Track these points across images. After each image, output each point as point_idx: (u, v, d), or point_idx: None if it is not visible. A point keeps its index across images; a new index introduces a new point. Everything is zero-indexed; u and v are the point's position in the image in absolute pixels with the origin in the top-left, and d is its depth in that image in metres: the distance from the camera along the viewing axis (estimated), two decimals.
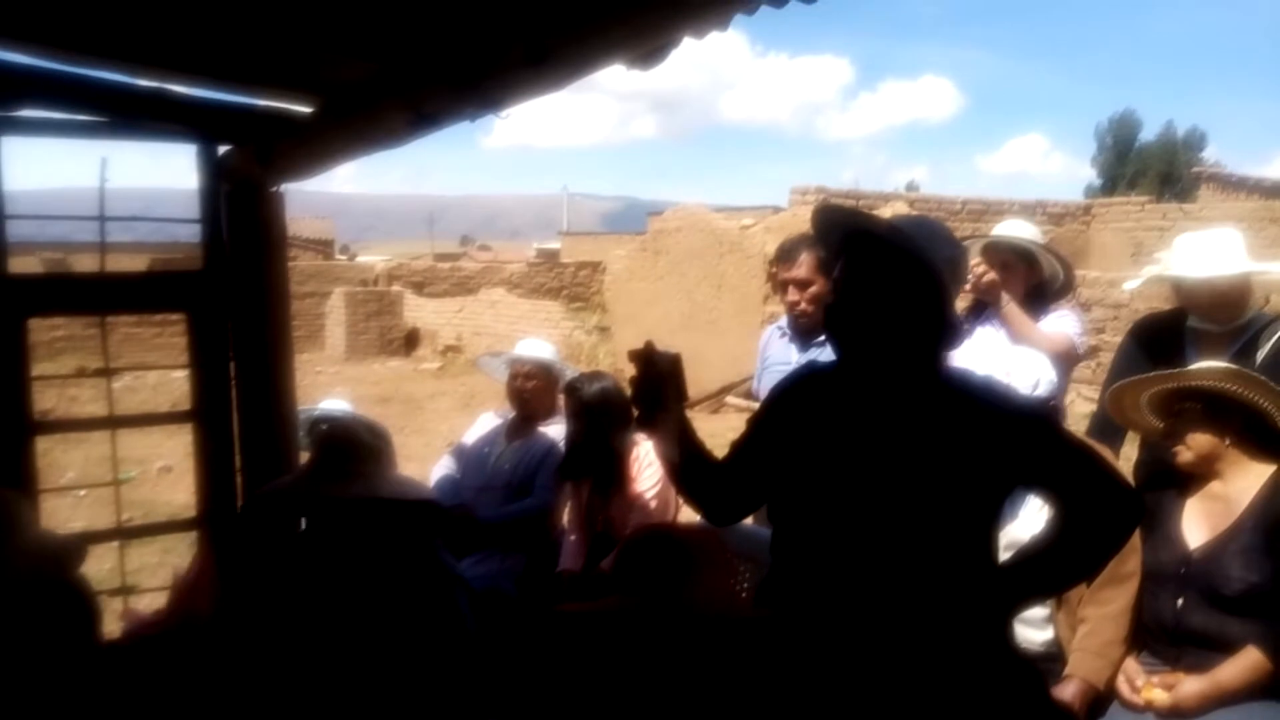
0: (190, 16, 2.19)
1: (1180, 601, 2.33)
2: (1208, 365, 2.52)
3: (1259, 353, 2.83)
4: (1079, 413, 5.89)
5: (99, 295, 3.05)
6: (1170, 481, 2.52)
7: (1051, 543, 1.76)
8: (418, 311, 19.05)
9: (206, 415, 2.93)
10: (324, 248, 29.37)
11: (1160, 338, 3.07)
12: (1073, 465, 1.75)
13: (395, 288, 19.68)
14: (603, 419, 3.27)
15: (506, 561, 3.46)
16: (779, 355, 3.39)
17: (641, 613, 1.88)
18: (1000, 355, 2.73)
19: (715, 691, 1.72)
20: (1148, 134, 33.50)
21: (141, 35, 2.34)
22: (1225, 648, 2.24)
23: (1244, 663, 2.19)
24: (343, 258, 27.57)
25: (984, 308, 3.30)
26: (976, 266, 3.21)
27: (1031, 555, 1.80)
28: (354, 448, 2.23)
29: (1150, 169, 29.31)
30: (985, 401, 1.80)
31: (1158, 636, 2.37)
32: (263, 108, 2.81)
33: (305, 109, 2.68)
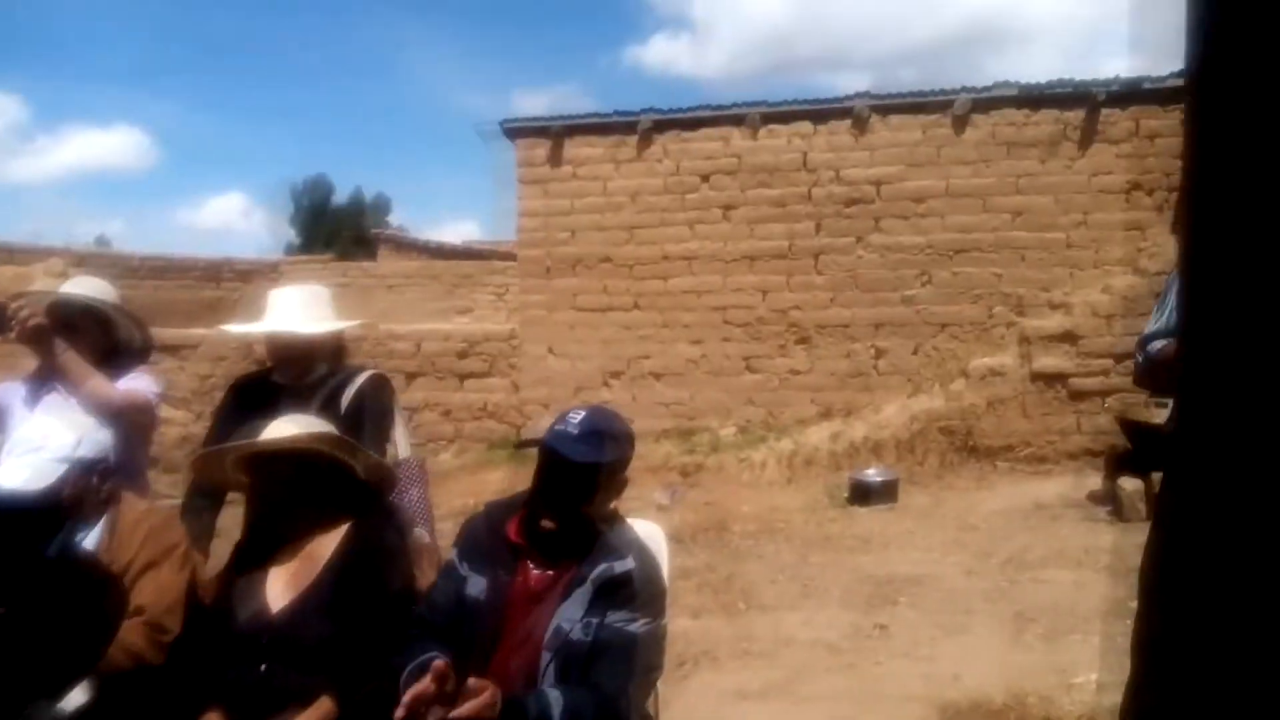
0: None
1: (263, 666, 2.33)
2: (276, 428, 2.56)
3: (340, 402, 2.99)
4: None
5: None
6: (260, 550, 2.53)
7: None
8: None
9: None
10: None
11: (255, 393, 3.09)
12: None
13: None
14: None
15: None
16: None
17: None
18: (42, 419, 2.60)
19: None
20: (340, 197, 36.06)
21: None
22: (311, 702, 2.31)
23: (316, 712, 2.28)
24: None
25: (51, 373, 2.96)
26: (20, 310, 2.86)
27: None
28: None
29: (344, 230, 31.55)
30: None
31: (248, 705, 2.34)
32: None
33: None
